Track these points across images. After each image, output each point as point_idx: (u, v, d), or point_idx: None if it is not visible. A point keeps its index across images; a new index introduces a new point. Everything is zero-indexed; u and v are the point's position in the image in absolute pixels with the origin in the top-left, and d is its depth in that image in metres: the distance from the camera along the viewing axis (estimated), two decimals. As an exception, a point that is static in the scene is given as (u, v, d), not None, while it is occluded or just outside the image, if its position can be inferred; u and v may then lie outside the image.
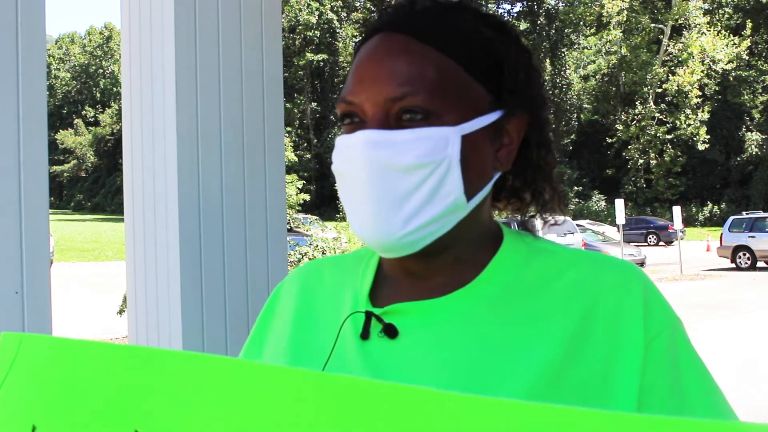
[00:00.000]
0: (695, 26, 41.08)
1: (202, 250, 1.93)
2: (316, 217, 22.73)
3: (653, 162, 41.16)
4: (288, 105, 43.38)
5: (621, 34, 41.69)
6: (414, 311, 0.75)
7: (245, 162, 2.03)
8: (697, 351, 0.75)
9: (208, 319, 1.93)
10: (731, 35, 41.25)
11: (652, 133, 40.89)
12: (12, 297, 1.46)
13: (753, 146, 40.39)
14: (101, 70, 72.08)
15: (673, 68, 40.92)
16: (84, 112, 70.43)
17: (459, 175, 0.72)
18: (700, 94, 40.37)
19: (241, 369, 0.48)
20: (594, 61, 45.68)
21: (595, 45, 45.15)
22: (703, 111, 40.13)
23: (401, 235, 0.71)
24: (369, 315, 0.76)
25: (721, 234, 20.03)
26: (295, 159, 24.65)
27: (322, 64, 47.52)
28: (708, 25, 41.88)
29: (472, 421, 0.40)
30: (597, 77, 45.43)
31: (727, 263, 19.51)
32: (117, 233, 32.15)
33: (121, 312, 8.80)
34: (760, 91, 41.46)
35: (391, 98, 0.72)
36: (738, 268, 18.98)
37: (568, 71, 44.91)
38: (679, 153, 40.65)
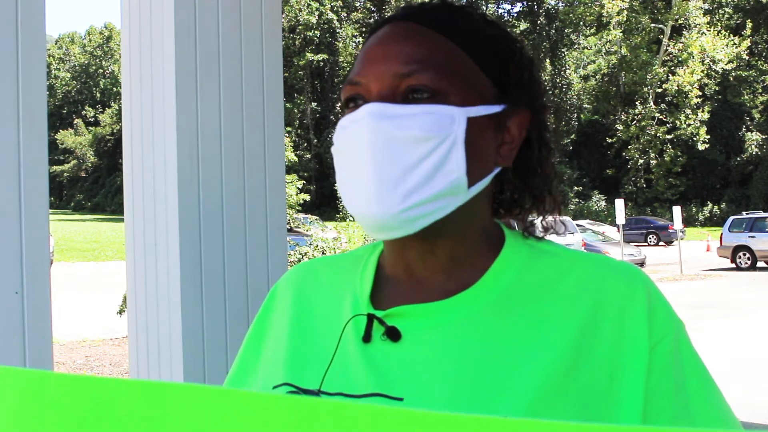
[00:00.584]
0: (695, 26, 41.06)
1: (202, 250, 1.92)
2: (316, 217, 22.70)
3: (653, 162, 41.14)
4: (288, 105, 43.37)
5: (621, 34, 41.67)
6: (417, 314, 0.74)
7: (245, 162, 2.02)
8: (698, 353, 0.76)
9: (208, 319, 1.92)
10: (731, 35, 41.22)
11: (652, 133, 40.88)
12: (12, 297, 1.46)
13: (753, 146, 40.37)
14: (101, 70, 72.06)
15: (673, 68, 40.90)
16: (84, 112, 70.39)
17: (463, 154, 0.71)
18: (700, 94, 40.35)
19: (226, 399, 0.43)
20: (594, 61, 45.68)
21: (595, 45, 45.15)
22: (703, 111, 40.11)
23: (399, 210, 0.69)
24: (371, 318, 0.75)
25: (721, 234, 20.01)
26: (295, 159, 24.61)
27: (322, 64, 47.50)
28: (708, 25, 41.85)
29: None
30: (597, 77, 45.43)
31: (727, 263, 19.49)
32: (117, 233, 32.13)
33: (121, 312, 8.79)
34: (760, 91, 41.43)
35: (399, 74, 0.72)
36: (738, 268, 18.96)
37: (568, 71, 44.92)
38: (679, 153, 40.63)
